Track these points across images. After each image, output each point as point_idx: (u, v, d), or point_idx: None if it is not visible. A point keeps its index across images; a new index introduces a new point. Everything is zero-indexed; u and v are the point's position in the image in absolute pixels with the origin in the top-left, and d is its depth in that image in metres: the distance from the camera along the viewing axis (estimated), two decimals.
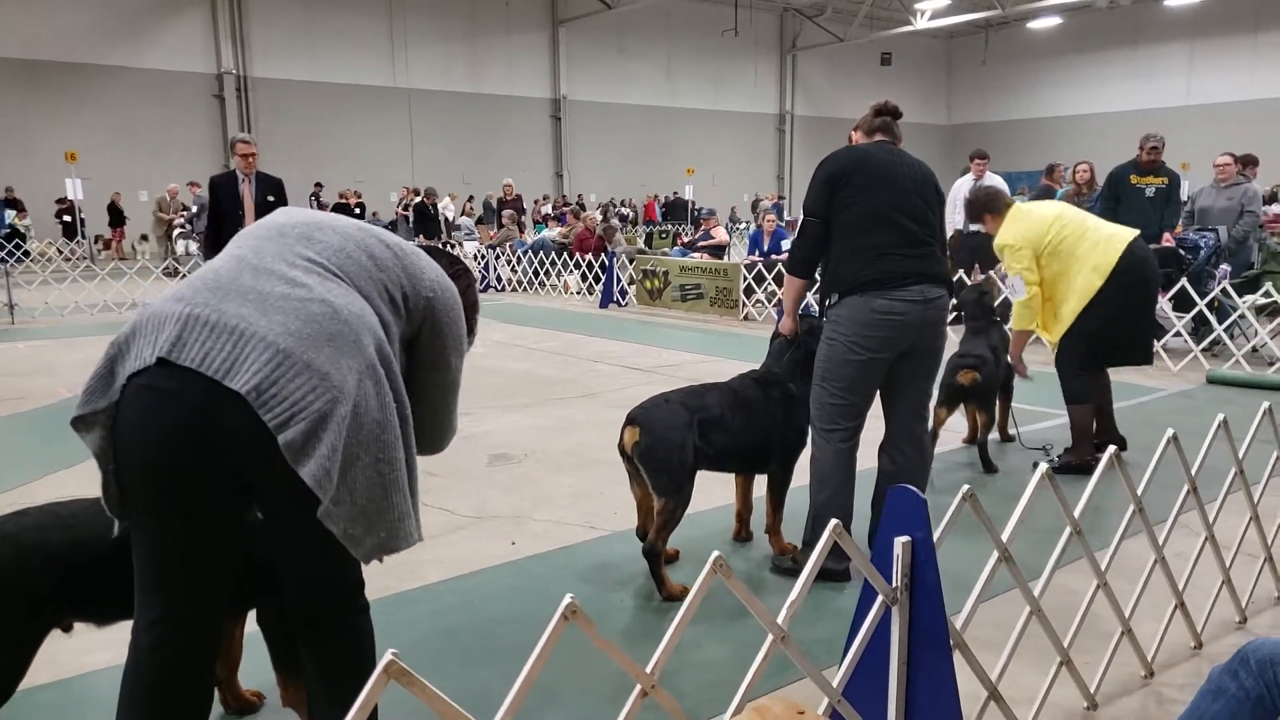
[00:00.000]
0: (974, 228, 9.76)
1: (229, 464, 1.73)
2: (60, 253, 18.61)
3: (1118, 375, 7.07)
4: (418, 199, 19.39)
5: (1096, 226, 4.74)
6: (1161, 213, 8.22)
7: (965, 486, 2.05)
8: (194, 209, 17.25)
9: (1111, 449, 2.38)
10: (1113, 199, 8.18)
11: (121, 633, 2.76)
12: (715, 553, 1.66)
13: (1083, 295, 4.56)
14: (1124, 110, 30.49)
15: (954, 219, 9.67)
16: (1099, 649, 2.65)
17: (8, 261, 13.53)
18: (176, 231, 17.82)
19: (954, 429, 5.14)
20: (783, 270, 10.80)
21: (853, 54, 33.36)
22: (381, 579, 3.39)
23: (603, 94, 29.55)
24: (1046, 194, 10.52)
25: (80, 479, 4.63)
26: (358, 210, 21.42)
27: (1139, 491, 2.52)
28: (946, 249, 3.44)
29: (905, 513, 1.89)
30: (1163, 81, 31.06)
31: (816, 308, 4.34)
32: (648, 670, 1.59)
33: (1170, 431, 2.57)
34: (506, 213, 17.23)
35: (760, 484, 3.74)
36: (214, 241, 7.56)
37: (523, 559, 3.67)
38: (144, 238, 20.69)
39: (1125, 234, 4.69)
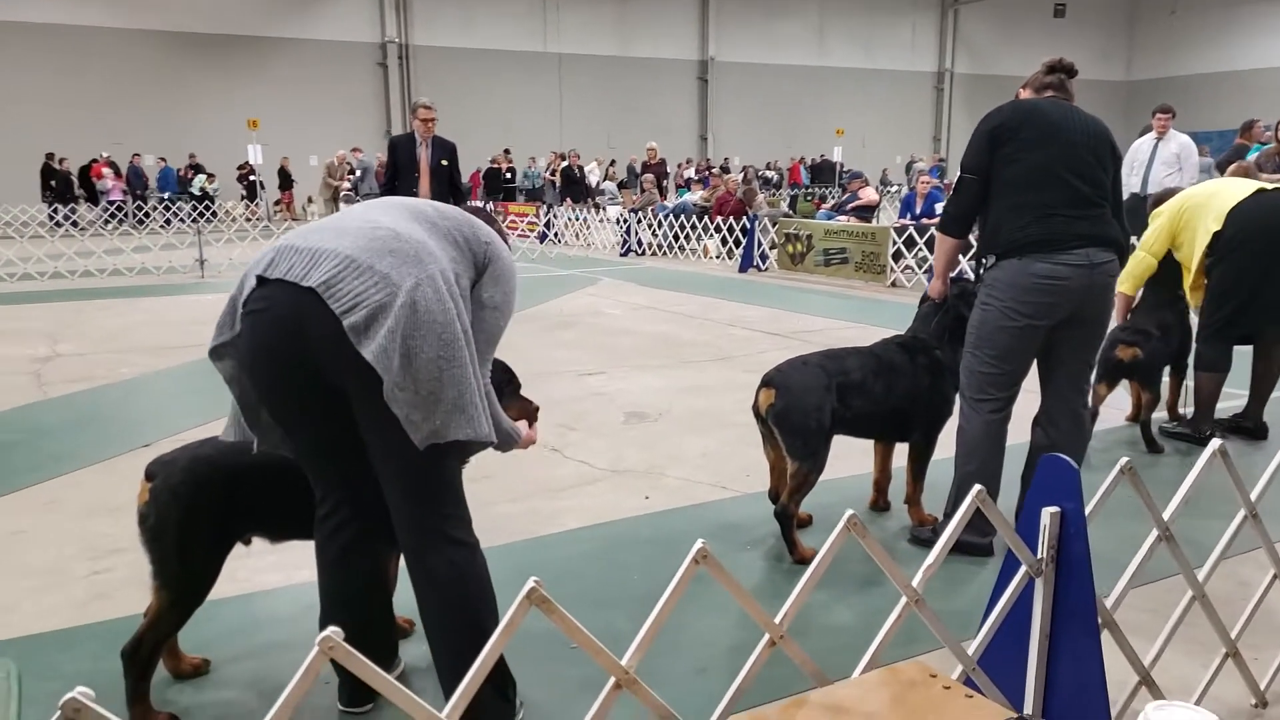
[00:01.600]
0: (1152, 192, 9.04)
1: (314, 355, 1.98)
2: (243, 214, 20.14)
3: None
4: (564, 163, 19.74)
5: (1232, 184, 4.52)
6: None
7: (1124, 459, 1.92)
8: (358, 173, 18.23)
9: None
10: None
11: (291, 555, 3.00)
12: (849, 511, 1.62)
13: (1200, 245, 4.42)
14: None
15: (1130, 181, 8.93)
16: (1266, 645, 2.44)
17: (199, 221, 14.82)
18: (342, 194, 18.90)
19: (1116, 406, 4.83)
20: (935, 234, 10.45)
21: (1022, 6, 31.27)
22: (523, 522, 3.54)
23: (751, 55, 29.00)
24: (1239, 153, 9.56)
25: None
26: (509, 175, 22.01)
27: None
28: (1121, 211, 3.17)
29: (1056, 483, 1.78)
30: None
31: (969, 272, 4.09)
32: (776, 620, 1.58)
33: None
34: (646, 177, 17.28)
35: (900, 453, 3.63)
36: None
37: (656, 513, 3.72)
38: (310, 200, 22.03)
39: (1240, 193, 4.40)
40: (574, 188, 19.26)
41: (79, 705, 0.99)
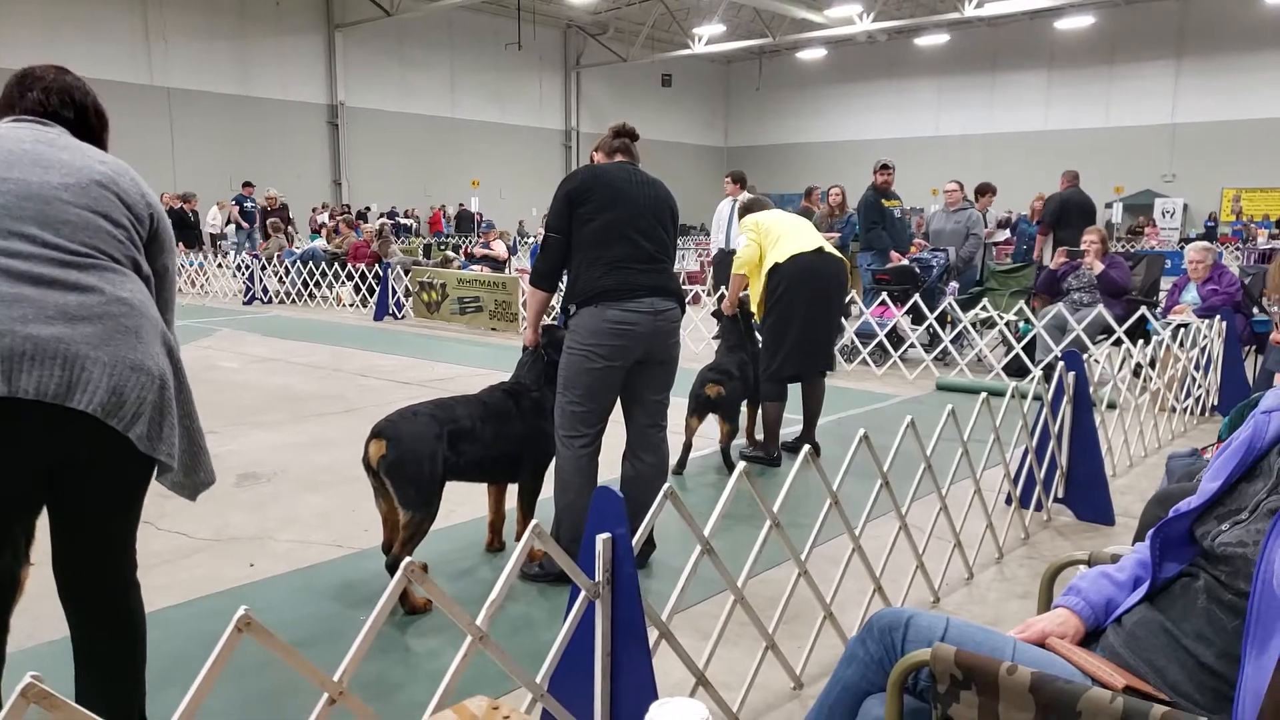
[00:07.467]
0: (735, 246, 10.37)
1: (80, 467, 1.92)
2: None
3: (859, 383, 7.79)
4: (179, 205, 17.97)
5: (804, 231, 5.29)
6: (905, 231, 9.16)
7: (667, 485, 2.19)
8: None
9: (806, 448, 2.63)
10: (876, 222, 9.06)
11: None
12: (407, 559, 1.68)
13: (764, 269, 5.17)
14: (882, 139, 33.25)
15: (717, 238, 10.17)
16: (807, 634, 2.89)
17: None
18: None
19: (708, 435, 5.45)
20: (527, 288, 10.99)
21: (635, 74, 34.34)
22: None
23: (384, 102, 28.66)
24: (805, 215, 11.30)
25: None
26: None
27: (835, 486, 2.79)
28: (673, 265, 3.65)
29: (607, 512, 2.00)
30: (915, 113, 34.20)
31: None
32: (335, 678, 1.58)
33: (861, 431, 2.86)
34: (270, 221, 16.36)
35: (513, 493, 3.78)
36: None
37: (260, 581, 3.51)
38: None
39: (803, 245, 5.18)
40: (188, 232, 17.56)
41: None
